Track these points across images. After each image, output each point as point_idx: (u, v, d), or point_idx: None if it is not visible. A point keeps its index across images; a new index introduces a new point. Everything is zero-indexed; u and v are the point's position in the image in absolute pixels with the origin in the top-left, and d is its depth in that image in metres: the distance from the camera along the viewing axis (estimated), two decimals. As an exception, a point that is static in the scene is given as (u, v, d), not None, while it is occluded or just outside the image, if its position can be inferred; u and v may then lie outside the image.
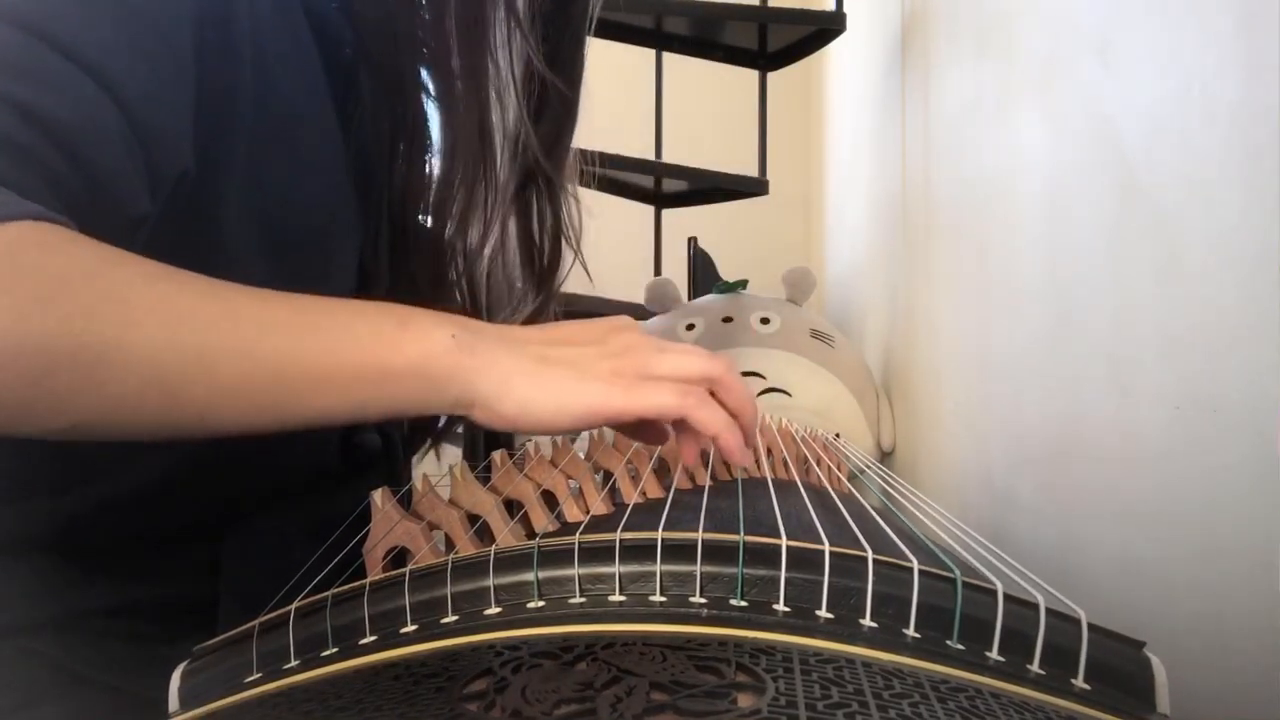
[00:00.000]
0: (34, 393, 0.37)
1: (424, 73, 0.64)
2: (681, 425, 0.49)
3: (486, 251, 0.70)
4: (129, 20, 0.45)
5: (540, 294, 0.75)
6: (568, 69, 0.71)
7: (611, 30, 1.55)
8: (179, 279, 0.41)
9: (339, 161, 0.60)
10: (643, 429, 0.51)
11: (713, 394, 0.48)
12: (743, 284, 1.42)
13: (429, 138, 0.65)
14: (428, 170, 0.66)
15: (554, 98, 0.70)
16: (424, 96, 0.64)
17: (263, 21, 0.53)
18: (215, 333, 0.40)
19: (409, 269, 0.66)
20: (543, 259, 0.74)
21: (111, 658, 0.54)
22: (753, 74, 1.65)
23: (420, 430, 0.74)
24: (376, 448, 0.68)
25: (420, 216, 0.67)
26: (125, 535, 0.55)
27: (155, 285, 0.40)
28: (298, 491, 0.61)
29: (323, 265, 0.60)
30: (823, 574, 0.37)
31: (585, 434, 0.58)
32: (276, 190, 0.55)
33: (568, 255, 0.76)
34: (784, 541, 0.38)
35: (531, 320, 0.75)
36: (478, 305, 0.72)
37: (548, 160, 0.71)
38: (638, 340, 0.48)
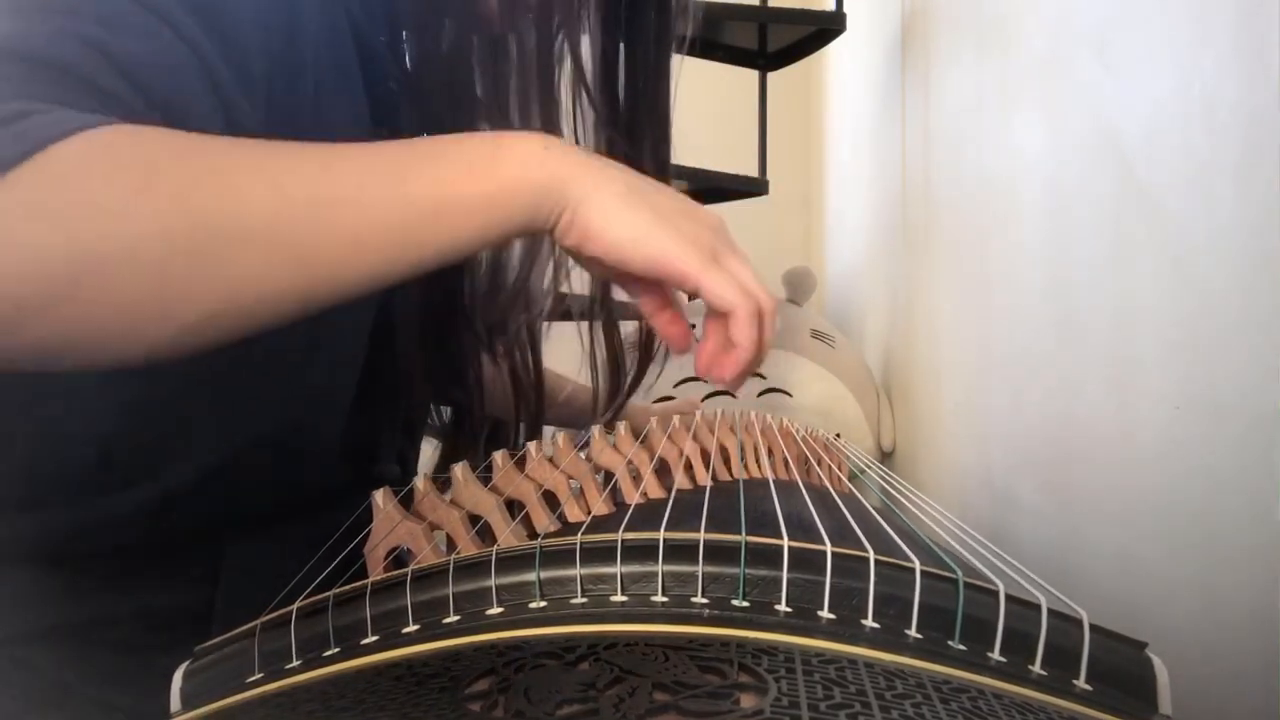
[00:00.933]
0: (160, 284, 0.36)
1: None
2: (710, 320, 0.49)
3: (546, 313, 0.69)
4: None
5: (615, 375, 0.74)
6: (644, 142, 0.69)
7: (611, 30, 1.54)
8: (270, 144, 0.40)
9: None
10: (666, 311, 0.50)
11: None
12: (742, 284, 1.42)
13: None
14: None
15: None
16: None
17: (320, 44, 0.53)
18: (321, 184, 0.40)
19: (431, 306, 0.65)
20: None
21: (105, 669, 0.54)
22: (753, 74, 1.64)
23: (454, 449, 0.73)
24: (395, 478, 0.68)
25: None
26: (124, 547, 0.55)
27: (252, 151, 0.40)
28: (304, 509, 0.61)
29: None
30: (824, 574, 0.37)
31: (583, 434, 0.58)
32: None
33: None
34: (785, 542, 0.38)
35: (609, 402, 0.74)
36: (539, 367, 0.72)
37: None
38: (720, 227, 0.48)
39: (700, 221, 0.47)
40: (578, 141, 0.65)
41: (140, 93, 0.42)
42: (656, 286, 0.51)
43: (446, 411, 0.77)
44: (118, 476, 0.53)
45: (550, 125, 0.61)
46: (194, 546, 0.57)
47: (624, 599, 0.37)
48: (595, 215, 0.44)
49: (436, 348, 0.67)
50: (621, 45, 0.68)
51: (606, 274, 0.51)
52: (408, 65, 0.61)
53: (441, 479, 0.51)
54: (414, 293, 0.65)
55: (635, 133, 0.68)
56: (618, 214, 0.44)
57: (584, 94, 0.64)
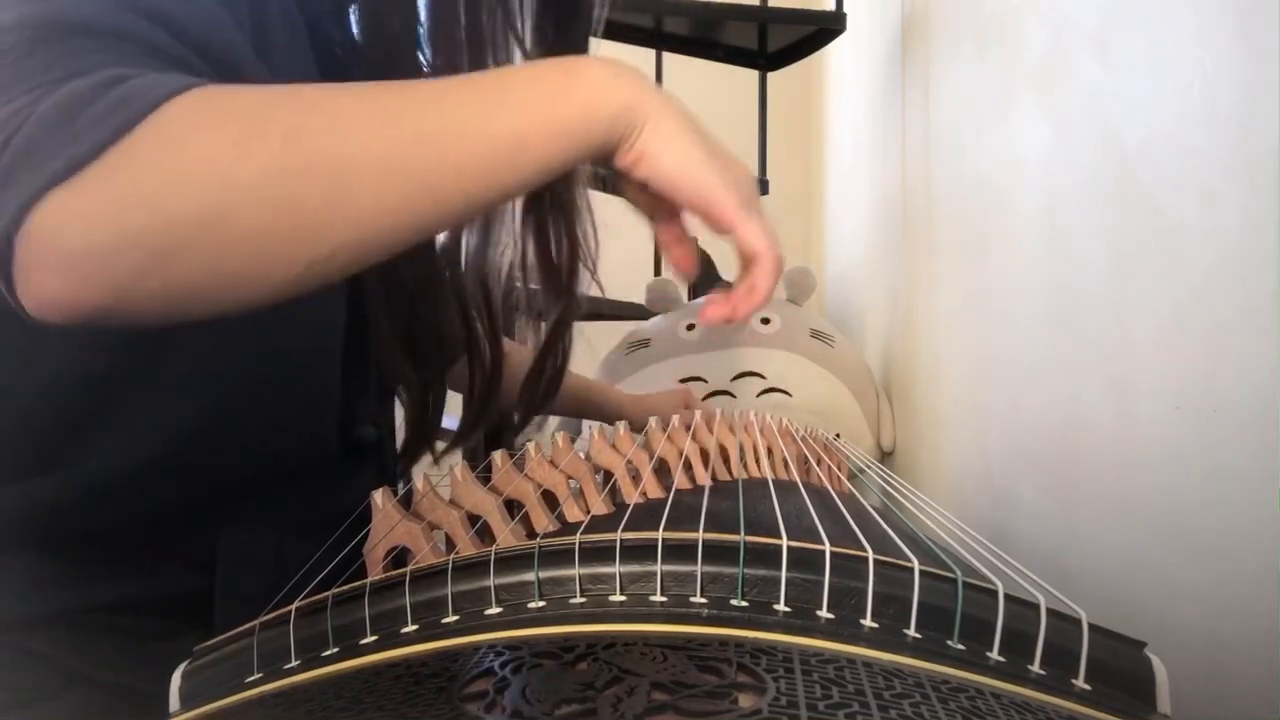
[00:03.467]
0: (283, 223, 0.38)
1: None
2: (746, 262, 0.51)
3: (505, 265, 0.71)
4: None
5: (559, 308, 0.75)
6: None
7: (611, 30, 1.54)
8: (359, 86, 0.42)
9: None
10: (683, 239, 0.54)
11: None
12: (743, 284, 1.42)
13: None
14: None
15: None
16: None
17: (264, 9, 0.53)
18: (419, 115, 0.42)
19: (397, 275, 0.66)
20: (560, 275, 0.75)
21: (106, 654, 0.54)
22: (753, 74, 1.65)
23: (418, 439, 0.74)
24: (372, 440, 0.68)
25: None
26: (115, 525, 0.55)
27: (341, 93, 0.42)
28: (292, 481, 0.61)
29: None
30: (823, 574, 0.37)
31: (585, 435, 0.58)
32: None
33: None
34: (785, 541, 0.38)
35: (554, 335, 0.75)
36: (495, 320, 0.73)
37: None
38: (753, 180, 0.51)
39: (740, 169, 0.50)
40: None
41: (199, 54, 0.44)
42: (677, 217, 0.53)
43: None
44: (90, 447, 0.53)
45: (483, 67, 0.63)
46: (187, 533, 0.57)
47: (623, 599, 0.37)
48: (655, 140, 0.46)
49: (409, 313, 0.67)
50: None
51: (640, 199, 0.53)
52: (354, 33, 0.62)
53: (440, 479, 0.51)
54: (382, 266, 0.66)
55: None
56: (676, 143, 0.47)
57: (516, 46, 0.67)
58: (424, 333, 0.69)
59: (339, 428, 0.64)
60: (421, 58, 0.63)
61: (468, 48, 0.62)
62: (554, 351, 0.77)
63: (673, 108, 0.47)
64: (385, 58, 0.61)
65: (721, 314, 0.52)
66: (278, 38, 0.54)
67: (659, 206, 0.53)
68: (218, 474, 0.57)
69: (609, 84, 0.45)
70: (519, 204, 0.71)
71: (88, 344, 0.51)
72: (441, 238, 0.70)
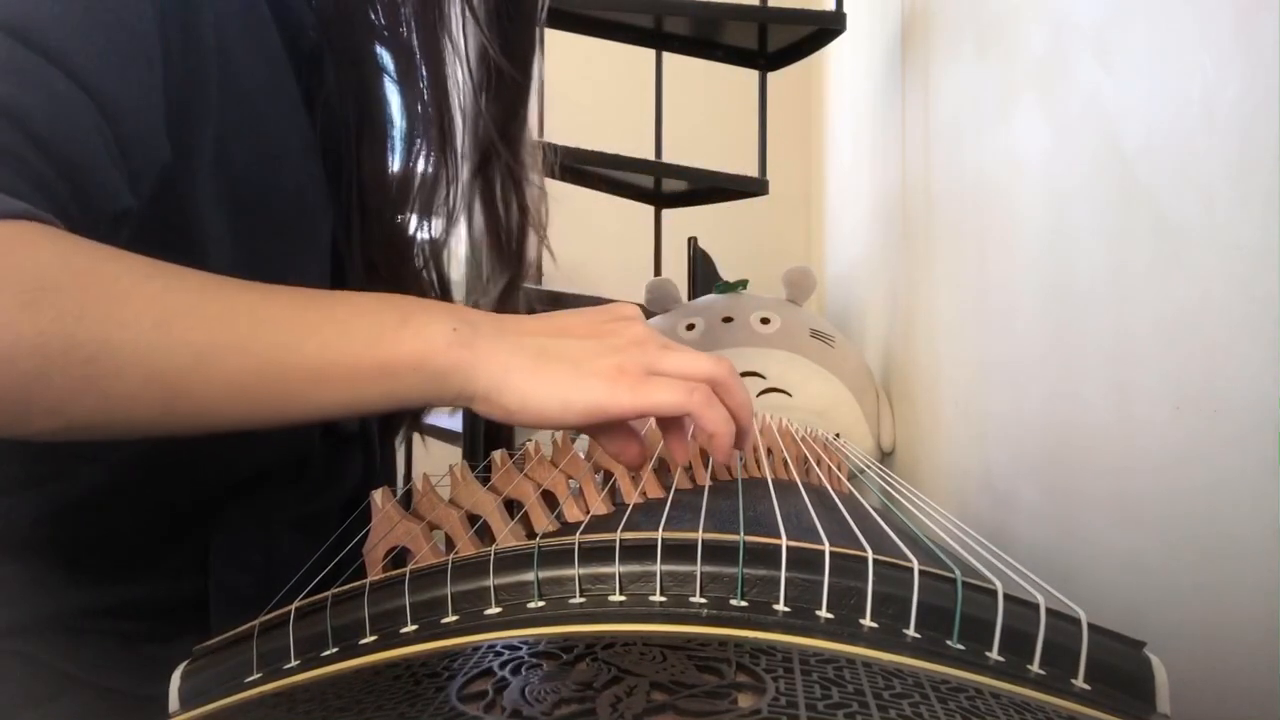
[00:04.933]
0: (29, 395, 0.37)
1: (384, 56, 0.65)
2: (669, 424, 0.49)
3: (452, 234, 0.71)
4: (99, 14, 0.45)
5: (507, 274, 0.76)
6: (520, 53, 0.74)
7: (611, 30, 1.55)
8: (172, 274, 0.41)
9: (306, 144, 0.60)
10: (615, 434, 0.49)
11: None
12: (743, 284, 1.42)
13: (390, 121, 0.66)
14: (392, 155, 0.67)
15: (507, 80, 0.73)
16: (386, 80, 0.65)
17: (225, 8, 0.53)
18: (211, 329, 0.40)
19: (370, 255, 0.67)
20: (509, 241, 0.75)
21: (99, 658, 0.54)
22: (753, 74, 1.64)
23: (394, 416, 0.74)
24: (354, 430, 0.68)
25: (385, 202, 0.67)
26: (105, 531, 0.55)
27: (148, 283, 0.40)
28: (280, 478, 0.61)
29: (295, 247, 0.60)
30: (823, 574, 0.37)
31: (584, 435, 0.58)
32: (244, 173, 0.55)
33: (534, 238, 0.78)
34: (784, 541, 0.38)
35: (503, 301, 0.76)
36: (446, 289, 0.73)
37: (503, 141, 0.73)
38: (641, 334, 0.47)
39: (614, 340, 0.47)
40: (460, 50, 0.69)
41: (43, 153, 0.41)
42: (617, 426, 0.50)
43: None
44: (75, 458, 0.53)
45: (439, 37, 0.64)
46: (178, 536, 0.57)
47: (622, 599, 0.37)
48: (510, 398, 0.44)
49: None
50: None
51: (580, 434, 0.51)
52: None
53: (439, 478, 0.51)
54: (360, 238, 0.66)
55: (508, 46, 0.73)
56: (534, 388, 0.44)
57: (469, 13, 0.68)
58: None
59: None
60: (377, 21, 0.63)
61: (415, 15, 0.63)
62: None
63: (515, 349, 0.45)
64: (344, 32, 0.61)
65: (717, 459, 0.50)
66: (232, 32, 0.53)
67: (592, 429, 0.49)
68: (204, 476, 0.57)
69: (442, 341, 0.43)
70: (466, 170, 0.71)
71: None
72: (423, 234, 0.71)
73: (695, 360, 0.47)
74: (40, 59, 0.42)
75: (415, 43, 0.64)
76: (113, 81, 0.45)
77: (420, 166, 0.66)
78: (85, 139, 0.43)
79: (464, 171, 0.71)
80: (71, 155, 0.42)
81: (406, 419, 0.76)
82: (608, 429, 0.49)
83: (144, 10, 0.47)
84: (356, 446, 0.68)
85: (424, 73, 0.65)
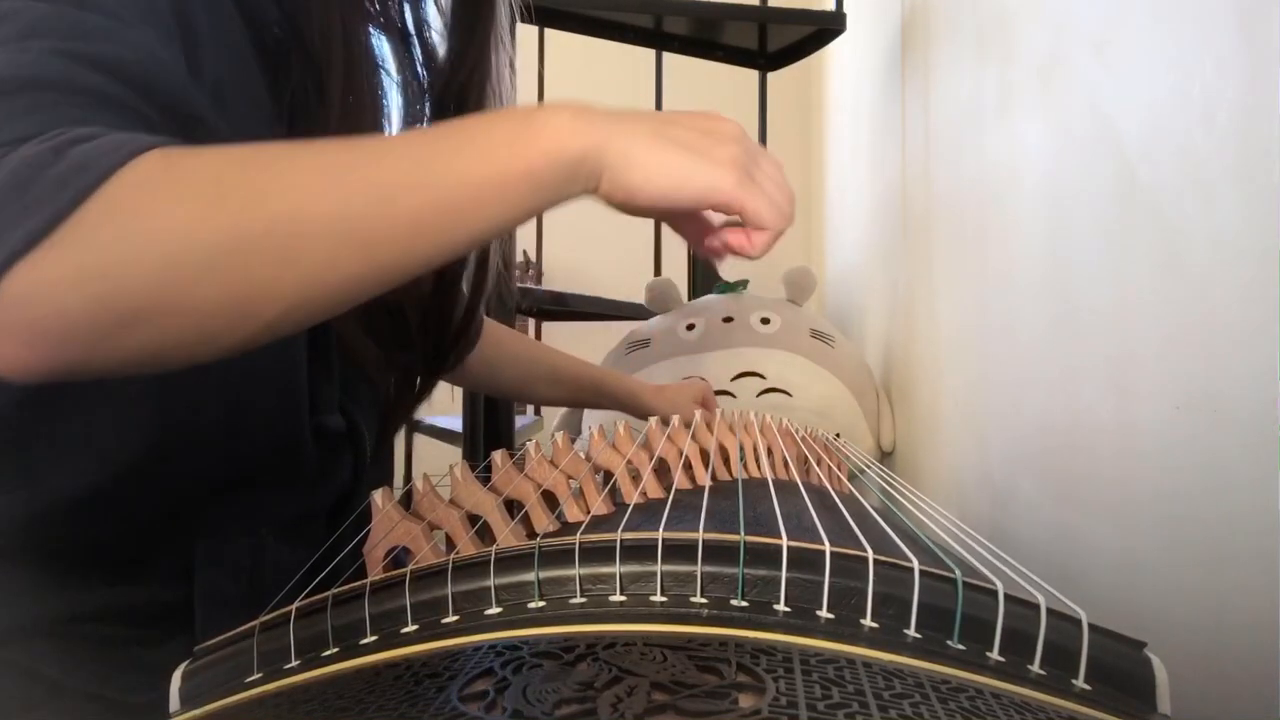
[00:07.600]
0: (240, 289, 0.38)
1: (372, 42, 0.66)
2: (690, 219, 0.52)
3: None
4: None
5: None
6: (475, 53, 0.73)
7: (611, 30, 1.55)
8: (311, 145, 0.42)
9: (272, 133, 0.60)
10: (699, 223, 0.53)
11: None
12: (743, 284, 1.42)
13: (379, 106, 0.67)
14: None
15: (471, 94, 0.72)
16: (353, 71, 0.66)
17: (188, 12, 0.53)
18: (378, 173, 0.42)
19: None
20: None
21: (87, 664, 0.54)
22: (753, 74, 1.65)
23: (394, 416, 0.74)
24: (340, 429, 0.68)
25: None
26: (90, 535, 0.55)
27: (298, 155, 0.42)
28: (268, 480, 0.60)
29: None
30: (823, 574, 0.37)
31: (584, 434, 0.58)
32: None
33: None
34: (784, 541, 0.38)
35: (475, 290, 0.76)
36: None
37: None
38: (740, 137, 0.50)
39: (726, 138, 0.49)
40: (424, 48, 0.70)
41: (148, 101, 0.44)
42: (696, 215, 0.53)
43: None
44: (57, 462, 0.53)
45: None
46: (164, 539, 0.56)
47: (623, 599, 0.37)
48: (636, 174, 0.46)
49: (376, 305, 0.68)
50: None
51: (652, 215, 0.53)
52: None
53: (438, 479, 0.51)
54: None
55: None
56: (655, 165, 0.46)
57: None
58: (379, 309, 0.69)
59: (308, 419, 0.64)
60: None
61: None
62: (479, 290, 0.76)
63: (634, 128, 0.46)
64: (308, 24, 0.61)
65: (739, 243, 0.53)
66: (205, 21, 0.53)
67: (675, 213, 0.53)
68: (190, 479, 0.57)
69: (568, 129, 0.45)
70: None
71: None
72: None
73: (782, 179, 0.51)
74: (94, 14, 0.44)
75: (408, 20, 0.65)
76: (160, 48, 0.47)
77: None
78: (180, 88, 0.46)
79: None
80: (161, 89, 0.45)
81: (406, 419, 0.76)
82: (694, 220, 0.53)
83: None
84: (345, 447, 0.68)
85: (418, 52, 0.66)
